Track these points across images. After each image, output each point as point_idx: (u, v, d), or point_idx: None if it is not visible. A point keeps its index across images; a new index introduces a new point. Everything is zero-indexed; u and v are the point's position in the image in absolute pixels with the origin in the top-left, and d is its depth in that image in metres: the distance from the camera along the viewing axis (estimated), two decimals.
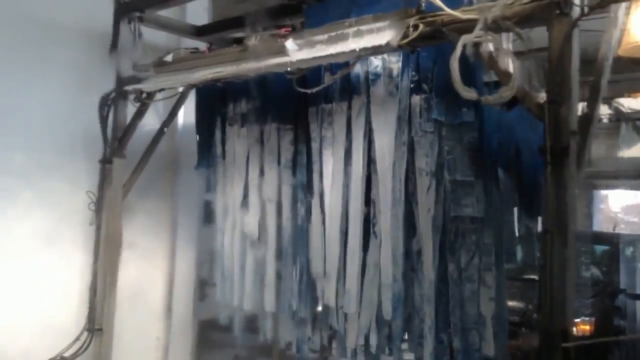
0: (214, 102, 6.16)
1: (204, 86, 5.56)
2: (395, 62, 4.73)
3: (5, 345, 5.77)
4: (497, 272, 4.44)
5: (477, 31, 3.61)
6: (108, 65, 6.16)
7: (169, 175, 7.20)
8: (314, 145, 5.28)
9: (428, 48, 4.43)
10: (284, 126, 5.55)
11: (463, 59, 3.91)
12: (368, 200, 4.91)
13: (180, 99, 6.20)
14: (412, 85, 4.72)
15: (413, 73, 4.72)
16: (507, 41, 3.92)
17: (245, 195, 5.92)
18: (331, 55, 4.23)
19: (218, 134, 6.16)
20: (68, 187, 6.25)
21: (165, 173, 7.17)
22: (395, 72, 4.73)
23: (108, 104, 6.08)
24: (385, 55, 4.69)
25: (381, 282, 4.71)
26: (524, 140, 4.51)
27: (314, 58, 4.30)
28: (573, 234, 3.33)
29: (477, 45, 3.81)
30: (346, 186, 5.05)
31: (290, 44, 4.28)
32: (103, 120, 6.13)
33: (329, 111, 5.15)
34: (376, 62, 4.80)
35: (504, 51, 3.93)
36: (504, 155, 4.60)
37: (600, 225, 12.22)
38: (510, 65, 3.69)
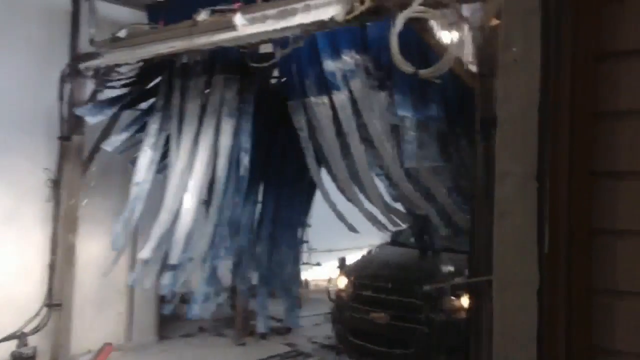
0: None
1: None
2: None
3: None
4: None
5: (416, 6, 3.73)
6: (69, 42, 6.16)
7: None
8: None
9: None
10: None
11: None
12: None
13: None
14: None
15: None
16: (447, 17, 4.04)
17: None
18: (278, 30, 4.31)
19: None
20: (27, 164, 6.21)
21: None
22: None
23: (66, 80, 6.07)
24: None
25: None
26: None
27: (262, 33, 4.37)
28: None
29: (419, 20, 3.95)
30: None
31: (239, 18, 4.34)
32: (61, 97, 6.10)
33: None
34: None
35: (443, 26, 4.06)
36: None
37: None
38: (448, 39, 3.82)
